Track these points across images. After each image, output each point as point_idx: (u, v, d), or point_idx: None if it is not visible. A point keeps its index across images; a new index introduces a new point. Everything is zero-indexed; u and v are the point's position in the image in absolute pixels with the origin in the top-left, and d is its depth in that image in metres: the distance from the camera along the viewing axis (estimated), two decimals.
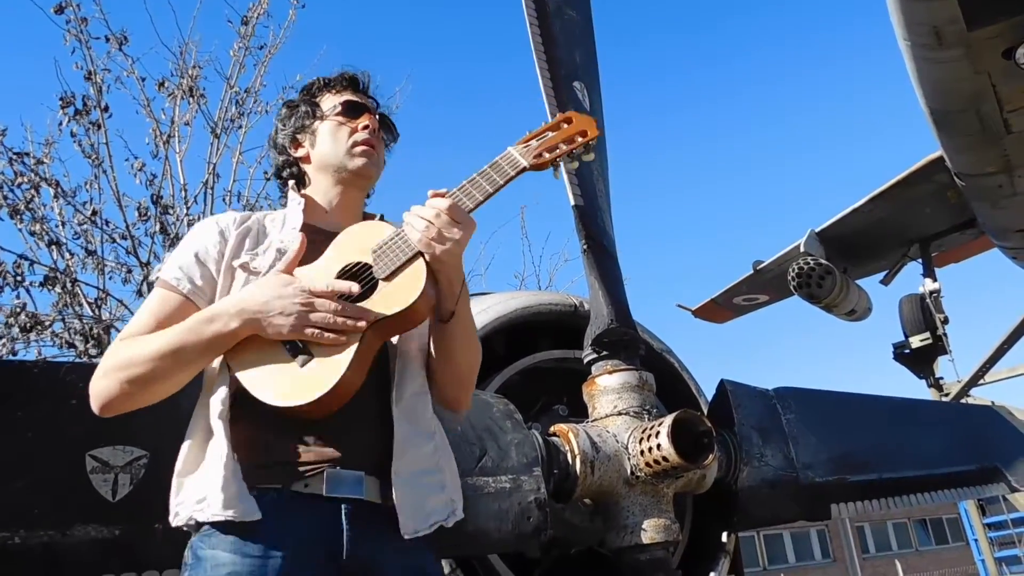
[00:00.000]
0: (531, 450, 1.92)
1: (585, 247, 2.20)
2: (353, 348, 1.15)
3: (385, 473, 1.22)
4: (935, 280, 6.36)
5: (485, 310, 2.38)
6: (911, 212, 5.90)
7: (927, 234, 6.27)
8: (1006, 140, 4.47)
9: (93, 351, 4.96)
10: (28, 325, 4.50)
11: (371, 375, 1.23)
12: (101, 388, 1.17)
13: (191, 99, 5.52)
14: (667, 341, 2.60)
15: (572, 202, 2.24)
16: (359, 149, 1.38)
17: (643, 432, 1.98)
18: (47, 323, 4.54)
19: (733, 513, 2.24)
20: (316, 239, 1.29)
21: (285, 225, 1.34)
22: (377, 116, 1.43)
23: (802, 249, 5.93)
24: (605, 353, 2.14)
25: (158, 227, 5.23)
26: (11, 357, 4.67)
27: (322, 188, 1.40)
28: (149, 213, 5.30)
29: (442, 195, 1.22)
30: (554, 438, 2.01)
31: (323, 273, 1.23)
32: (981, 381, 6.77)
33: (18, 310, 4.59)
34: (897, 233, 6.21)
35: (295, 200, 1.38)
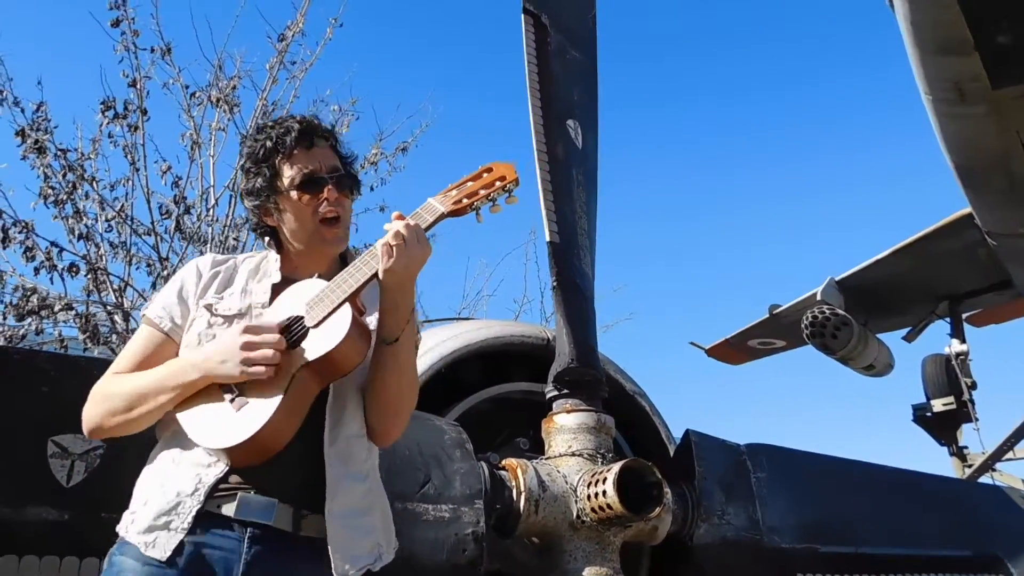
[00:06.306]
0: (476, 482, 1.91)
1: (555, 284, 2.20)
2: (280, 395, 1.23)
3: (302, 504, 1.28)
4: (963, 342, 6.06)
5: (455, 336, 2.40)
6: (938, 268, 5.68)
7: (957, 292, 6.01)
8: None
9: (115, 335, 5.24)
10: (36, 308, 4.77)
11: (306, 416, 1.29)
12: (88, 415, 1.32)
13: (226, 108, 5.80)
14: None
15: (547, 238, 2.25)
16: (324, 229, 1.42)
17: (592, 476, 1.95)
18: (56, 308, 4.79)
19: (686, 570, 2.18)
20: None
21: (260, 276, 1.46)
22: (335, 178, 1.43)
23: (819, 297, 5.74)
24: (566, 391, 2.12)
25: (175, 225, 5.51)
26: (36, 337, 4.97)
27: (295, 250, 1.48)
28: (171, 212, 5.58)
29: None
30: (502, 472, 1.99)
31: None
32: (1009, 456, 6.35)
33: (29, 293, 4.87)
34: (923, 289, 5.97)
35: (273, 258, 1.50)
